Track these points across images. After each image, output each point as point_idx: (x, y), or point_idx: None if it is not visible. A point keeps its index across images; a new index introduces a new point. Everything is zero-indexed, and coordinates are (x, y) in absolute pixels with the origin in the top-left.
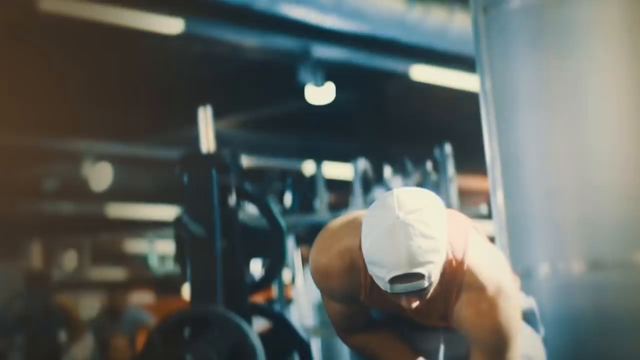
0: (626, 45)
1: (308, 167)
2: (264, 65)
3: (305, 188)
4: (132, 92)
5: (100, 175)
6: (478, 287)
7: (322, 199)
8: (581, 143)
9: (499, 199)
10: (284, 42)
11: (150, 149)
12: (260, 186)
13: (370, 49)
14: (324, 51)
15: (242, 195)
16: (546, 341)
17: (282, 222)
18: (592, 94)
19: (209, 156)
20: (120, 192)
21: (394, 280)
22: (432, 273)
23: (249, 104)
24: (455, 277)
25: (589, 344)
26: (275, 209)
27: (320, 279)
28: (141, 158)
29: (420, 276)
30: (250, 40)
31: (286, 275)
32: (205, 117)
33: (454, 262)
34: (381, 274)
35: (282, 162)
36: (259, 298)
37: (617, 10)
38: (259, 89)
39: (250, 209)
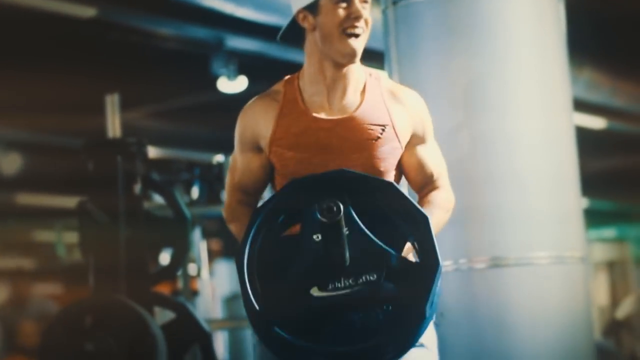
0: (533, 39)
1: (217, 159)
2: (177, 55)
3: (213, 179)
4: (42, 78)
5: (9, 163)
6: (398, 87)
7: None
8: (485, 138)
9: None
10: (198, 32)
11: (60, 137)
12: (167, 176)
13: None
14: (237, 42)
15: (148, 185)
16: (446, 336)
17: (188, 212)
18: (498, 88)
19: (114, 143)
20: (28, 181)
21: None
22: None
23: (160, 94)
24: (377, 82)
25: (488, 339)
26: (181, 199)
27: (239, 119)
28: (51, 146)
29: None
30: (164, 29)
31: (192, 267)
32: (112, 105)
33: (371, 73)
34: None
35: (191, 154)
36: (164, 290)
37: (524, 4)
38: (171, 79)
39: (157, 199)
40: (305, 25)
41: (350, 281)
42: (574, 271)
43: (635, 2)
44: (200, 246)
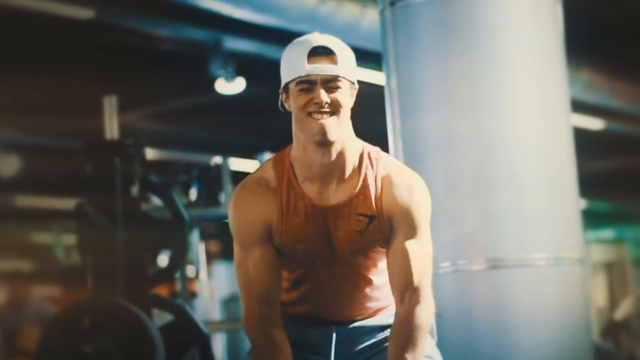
0: (531, 40)
1: (215, 161)
2: (175, 57)
3: (211, 181)
4: (40, 80)
5: (7, 165)
6: (395, 173)
7: (228, 193)
8: (483, 140)
9: None
10: (196, 34)
11: (58, 139)
12: (165, 178)
13: (282, 43)
14: (235, 43)
15: (146, 186)
16: (444, 337)
17: (186, 214)
18: (495, 90)
19: (111, 145)
20: (26, 182)
21: (310, 59)
22: (345, 67)
23: (158, 95)
24: (372, 167)
25: (486, 341)
26: (179, 201)
27: (238, 214)
28: (48, 148)
29: (334, 59)
30: (161, 31)
31: (190, 269)
32: (109, 107)
33: (369, 154)
34: (298, 55)
35: (189, 155)
36: (163, 292)
37: (521, 5)
38: (169, 81)
39: (155, 201)
40: (286, 106)
41: None
42: (572, 272)
43: (633, 3)
44: (199, 248)
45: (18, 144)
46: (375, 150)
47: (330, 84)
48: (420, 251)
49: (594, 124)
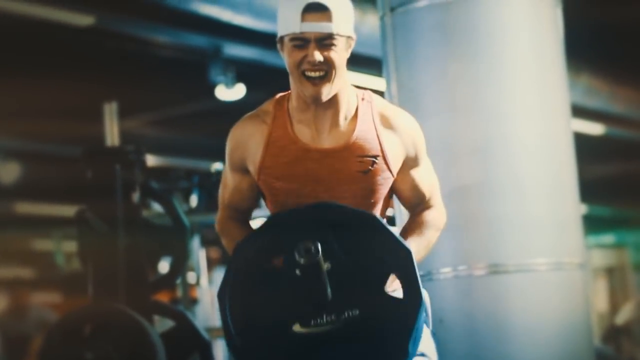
0: (531, 45)
1: (216, 167)
2: (175, 63)
3: (212, 187)
4: (40, 86)
5: (8, 172)
6: (390, 112)
7: None
8: (484, 145)
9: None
10: (195, 40)
11: (58, 145)
12: (166, 184)
13: None
14: (235, 49)
15: (147, 193)
16: (445, 342)
17: (187, 220)
18: (496, 95)
19: (112, 151)
20: (27, 189)
21: (305, 15)
22: (341, 23)
23: (158, 102)
24: (368, 110)
25: (487, 346)
26: (180, 207)
27: (230, 136)
28: (49, 155)
29: (329, 16)
30: (161, 37)
31: (191, 275)
32: (110, 113)
33: (363, 98)
34: (293, 9)
35: (190, 161)
36: (164, 298)
37: (522, 10)
38: (169, 87)
39: (155, 207)
40: (281, 54)
41: (333, 317)
42: (573, 277)
43: (633, 8)
44: (199, 254)
45: (18, 151)
46: (367, 94)
47: (325, 41)
48: (425, 174)
49: (594, 129)
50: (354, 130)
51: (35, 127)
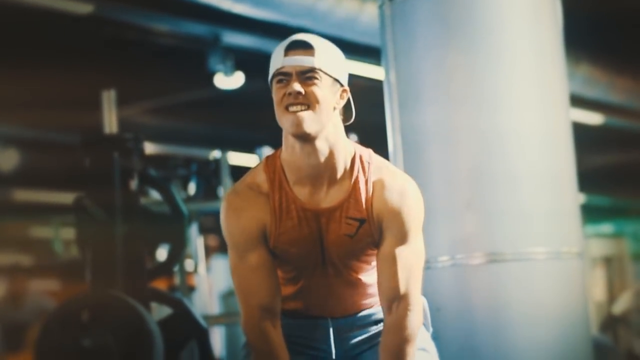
0: (530, 34)
1: (214, 155)
2: (174, 51)
3: (210, 175)
4: (39, 74)
5: (6, 159)
6: (387, 176)
7: (227, 187)
8: (482, 134)
9: None
10: (194, 28)
11: (57, 133)
12: (164, 172)
13: (281, 37)
14: (234, 38)
15: (145, 181)
16: (443, 331)
17: (185, 208)
18: (495, 85)
19: (110, 139)
20: (25, 177)
21: (287, 52)
22: (324, 61)
23: (157, 90)
24: (363, 170)
25: (484, 334)
26: (178, 195)
27: (232, 219)
28: (47, 142)
29: (312, 52)
30: (160, 25)
31: (189, 263)
32: (108, 101)
33: (361, 157)
34: (279, 50)
35: (188, 149)
36: (161, 286)
37: (520, 1)
38: (168, 75)
39: (154, 195)
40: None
41: None
42: (571, 267)
43: None
44: (197, 242)
45: (17, 138)
46: (367, 153)
47: (307, 75)
48: (409, 256)
49: (593, 118)
50: (348, 189)
51: (34, 115)
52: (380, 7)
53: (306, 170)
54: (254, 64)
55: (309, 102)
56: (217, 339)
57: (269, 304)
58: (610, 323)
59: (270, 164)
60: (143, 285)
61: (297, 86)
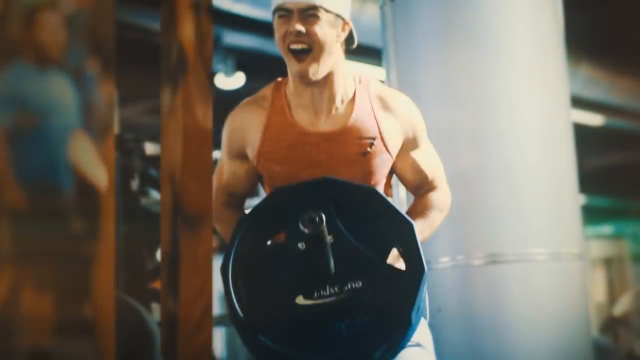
0: (531, 35)
1: (215, 156)
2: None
3: None
4: None
5: None
6: (387, 93)
7: None
8: (483, 135)
9: (401, 191)
10: None
11: None
12: None
13: None
14: (235, 38)
15: (146, 181)
16: (443, 331)
17: None
18: (495, 85)
19: None
20: None
21: None
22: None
23: (157, 90)
24: (365, 92)
25: (485, 335)
26: None
27: (227, 123)
28: None
29: None
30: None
31: None
32: None
33: (360, 80)
34: None
35: None
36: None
37: (521, 1)
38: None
39: (154, 195)
40: None
41: (336, 289)
42: (571, 268)
43: None
44: None
45: None
46: (364, 77)
47: (308, 12)
48: (426, 156)
49: (593, 119)
50: (351, 112)
51: None
52: (382, 7)
53: (308, 96)
54: (254, 64)
55: (311, 42)
56: (217, 339)
57: (236, 190)
58: (611, 324)
59: (279, 85)
60: (143, 285)
61: (298, 25)
